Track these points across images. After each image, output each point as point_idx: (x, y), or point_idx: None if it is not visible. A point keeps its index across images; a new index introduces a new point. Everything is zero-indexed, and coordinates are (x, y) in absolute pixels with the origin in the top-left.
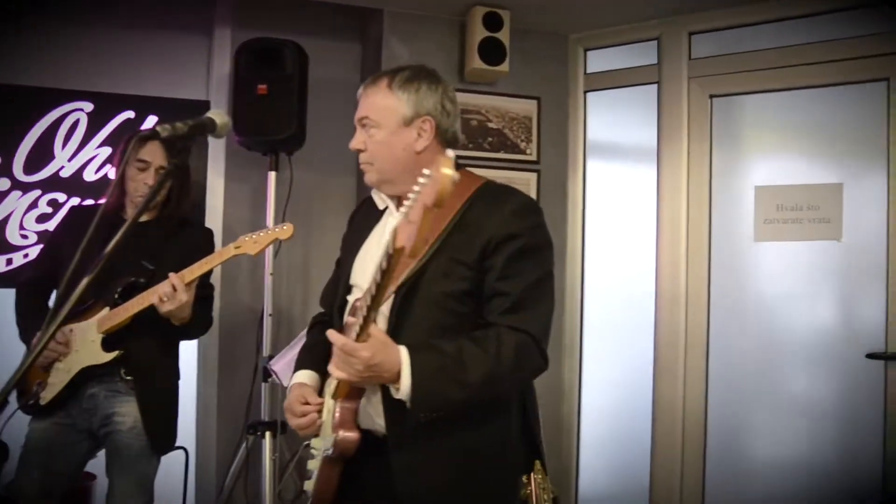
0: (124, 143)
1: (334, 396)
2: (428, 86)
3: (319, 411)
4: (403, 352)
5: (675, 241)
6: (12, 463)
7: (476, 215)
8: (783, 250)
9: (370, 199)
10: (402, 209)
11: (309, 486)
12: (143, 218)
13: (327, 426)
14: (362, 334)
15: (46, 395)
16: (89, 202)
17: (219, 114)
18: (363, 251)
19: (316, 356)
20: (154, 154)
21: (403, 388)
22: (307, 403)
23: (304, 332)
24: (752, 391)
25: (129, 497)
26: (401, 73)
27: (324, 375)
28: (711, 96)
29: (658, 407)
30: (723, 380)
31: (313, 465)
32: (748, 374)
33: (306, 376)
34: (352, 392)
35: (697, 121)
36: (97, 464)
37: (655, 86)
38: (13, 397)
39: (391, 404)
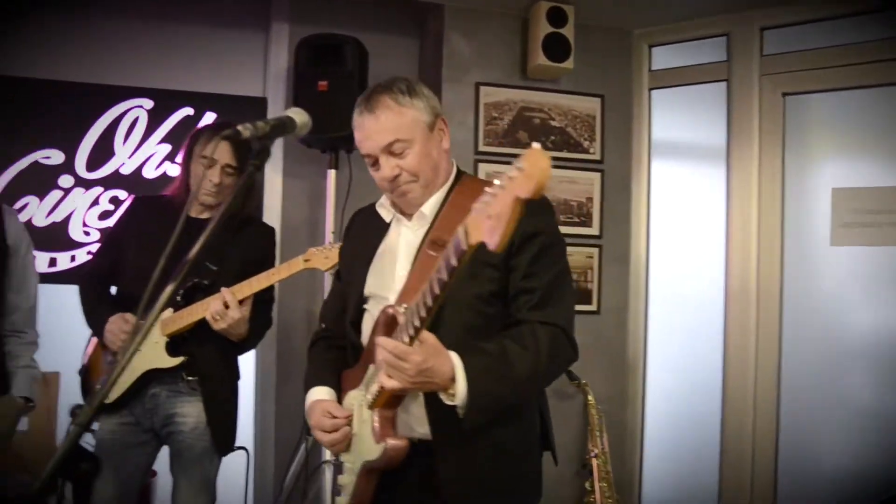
0: (190, 138)
1: (372, 406)
2: (424, 89)
3: (349, 424)
4: (455, 357)
5: (746, 243)
6: None
7: None
8: (858, 255)
9: (366, 212)
10: (479, 203)
11: (342, 501)
12: (205, 215)
13: (361, 439)
14: (415, 339)
15: (112, 394)
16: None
17: (298, 112)
18: (377, 262)
19: (327, 372)
20: (221, 152)
21: (459, 393)
22: (334, 418)
23: None
24: (826, 398)
25: (193, 496)
26: (397, 87)
27: (338, 391)
28: (784, 94)
29: (727, 413)
30: (796, 387)
31: (345, 479)
32: (822, 381)
33: (324, 392)
34: (390, 401)
35: (769, 120)
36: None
37: (724, 83)
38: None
39: (435, 410)
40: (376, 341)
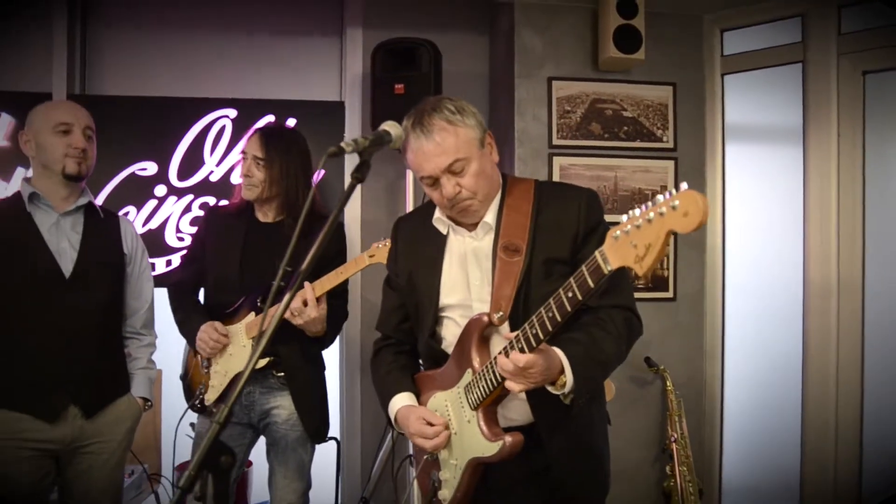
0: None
1: (476, 408)
2: (471, 106)
3: (446, 427)
4: (560, 353)
5: (826, 228)
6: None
7: (552, 215)
8: None
9: (412, 222)
10: (619, 232)
11: (445, 494)
12: (270, 218)
13: (465, 437)
14: (536, 348)
15: (210, 397)
16: (222, 203)
17: (393, 125)
18: (448, 272)
19: (404, 378)
20: (251, 146)
21: (569, 383)
22: (431, 424)
23: None
24: None
25: (290, 482)
26: (447, 107)
27: (416, 394)
28: (864, 72)
29: (807, 399)
30: (880, 374)
31: (446, 475)
32: None
33: (408, 398)
34: (494, 401)
35: (848, 99)
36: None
37: (800, 65)
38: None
39: (535, 399)
40: (508, 358)
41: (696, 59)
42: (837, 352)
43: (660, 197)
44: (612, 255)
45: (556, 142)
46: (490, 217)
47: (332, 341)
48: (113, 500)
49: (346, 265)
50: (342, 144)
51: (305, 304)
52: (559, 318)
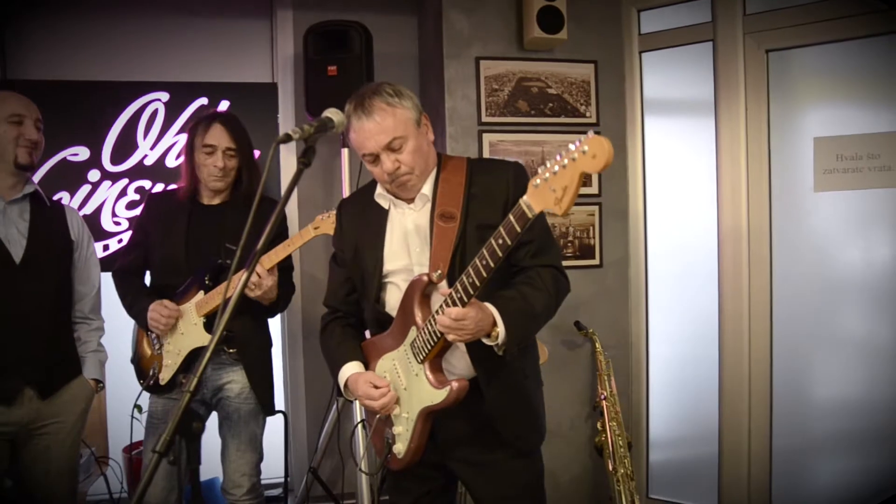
0: (189, 131)
1: (423, 361)
2: (407, 90)
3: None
4: (491, 307)
5: (736, 193)
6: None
7: (483, 186)
8: (842, 199)
9: (356, 201)
10: (538, 180)
11: (399, 447)
12: (216, 201)
13: (416, 390)
14: (468, 301)
15: (164, 376)
16: (167, 188)
17: (335, 112)
18: (390, 243)
19: (351, 348)
20: (219, 137)
21: (501, 335)
22: (377, 387)
23: None
24: (816, 335)
25: (244, 454)
26: (385, 91)
27: (363, 361)
28: (767, 51)
29: (724, 354)
30: (787, 325)
31: (399, 429)
32: (811, 318)
33: (356, 366)
34: (439, 353)
35: (754, 75)
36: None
37: (710, 43)
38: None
39: (476, 353)
40: (443, 311)
41: (616, 37)
42: (749, 306)
43: (571, 145)
44: (534, 200)
45: (485, 119)
46: (427, 189)
47: (282, 308)
48: (70, 481)
49: (292, 238)
50: (289, 132)
51: (259, 276)
52: (492, 264)
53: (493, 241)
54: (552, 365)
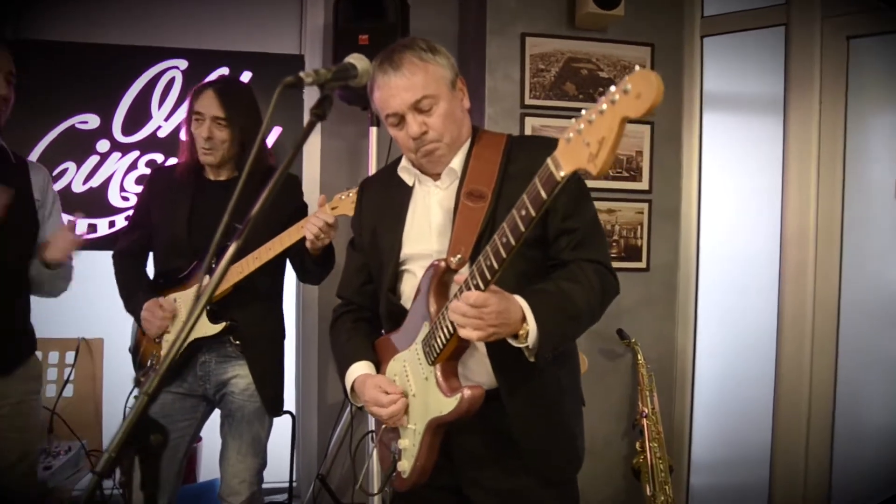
0: (189, 100)
1: (434, 362)
2: (443, 48)
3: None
4: (521, 300)
5: (804, 198)
6: None
7: (522, 165)
8: None
9: (379, 179)
10: (571, 133)
11: (405, 465)
12: (223, 177)
13: (425, 398)
14: (489, 286)
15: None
16: (170, 161)
17: (359, 58)
18: (411, 224)
19: (362, 346)
20: (208, 105)
21: (532, 333)
22: (387, 392)
23: None
24: (885, 357)
25: (244, 458)
26: (418, 46)
27: (374, 362)
28: (848, 38)
29: (781, 373)
30: (854, 342)
31: (405, 443)
32: (883, 336)
33: (366, 366)
34: (453, 353)
35: (831, 65)
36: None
37: (783, 28)
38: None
39: (498, 358)
40: (456, 296)
41: (676, 19)
42: (813, 325)
43: (611, 88)
44: (564, 158)
45: (528, 101)
46: (456, 163)
47: (324, 275)
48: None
49: (305, 220)
50: (301, 74)
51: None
52: (513, 242)
53: (514, 213)
54: (588, 375)
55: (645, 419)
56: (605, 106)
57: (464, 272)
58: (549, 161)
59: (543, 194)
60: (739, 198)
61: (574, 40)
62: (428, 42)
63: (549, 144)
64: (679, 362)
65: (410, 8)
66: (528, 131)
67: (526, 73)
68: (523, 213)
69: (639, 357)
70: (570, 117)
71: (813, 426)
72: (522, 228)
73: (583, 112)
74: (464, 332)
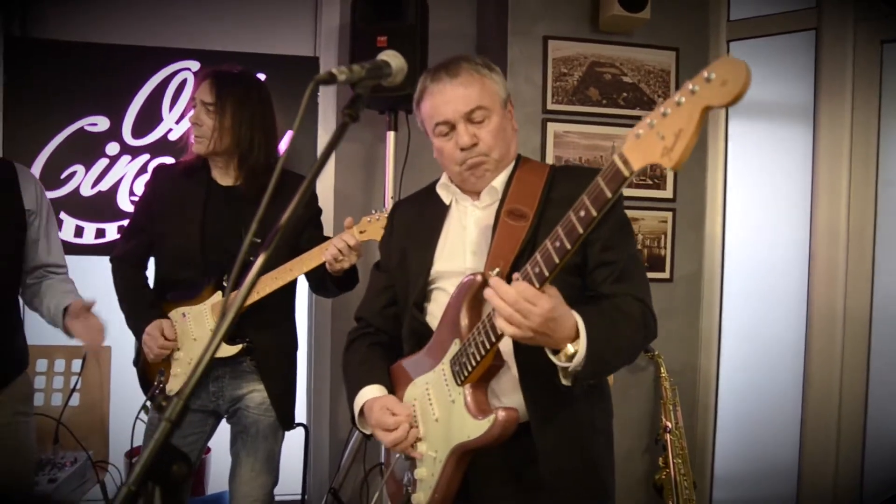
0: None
1: (463, 382)
2: (497, 67)
3: (413, 422)
4: (577, 315)
5: (835, 208)
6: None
7: (565, 192)
8: None
9: (414, 200)
10: (641, 128)
11: (420, 497)
12: (228, 183)
13: (449, 421)
14: (544, 285)
15: (172, 387)
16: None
17: (394, 55)
18: (444, 242)
19: (375, 369)
20: (203, 91)
21: (581, 352)
22: (395, 415)
23: None
24: None
25: (258, 476)
26: (475, 60)
27: (388, 386)
28: (883, 41)
29: (809, 387)
30: (887, 356)
31: (423, 473)
32: None
33: (376, 390)
34: (485, 374)
35: (865, 70)
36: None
37: (813, 32)
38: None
39: (531, 387)
40: (492, 283)
41: (702, 23)
42: (843, 339)
43: (686, 83)
44: (634, 154)
45: (550, 106)
46: (498, 182)
47: (345, 292)
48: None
49: (329, 242)
50: (333, 71)
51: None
52: (569, 246)
53: (571, 214)
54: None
55: (668, 434)
56: (682, 98)
57: None
58: (615, 158)
59: (608, 192)
60: (765, 207)
61: (598, 44)
62: (484, 59)
63: (589, 172)
64: (702, 374)
65: (430, 9)
66: (550, 137)
67: (548, 77)
68: (582, 213)
69: (662, 369)
70: (593, 123)
71: (843, 441)
72: (581, 230)
73: (655, 108)
74: (500, 323)
